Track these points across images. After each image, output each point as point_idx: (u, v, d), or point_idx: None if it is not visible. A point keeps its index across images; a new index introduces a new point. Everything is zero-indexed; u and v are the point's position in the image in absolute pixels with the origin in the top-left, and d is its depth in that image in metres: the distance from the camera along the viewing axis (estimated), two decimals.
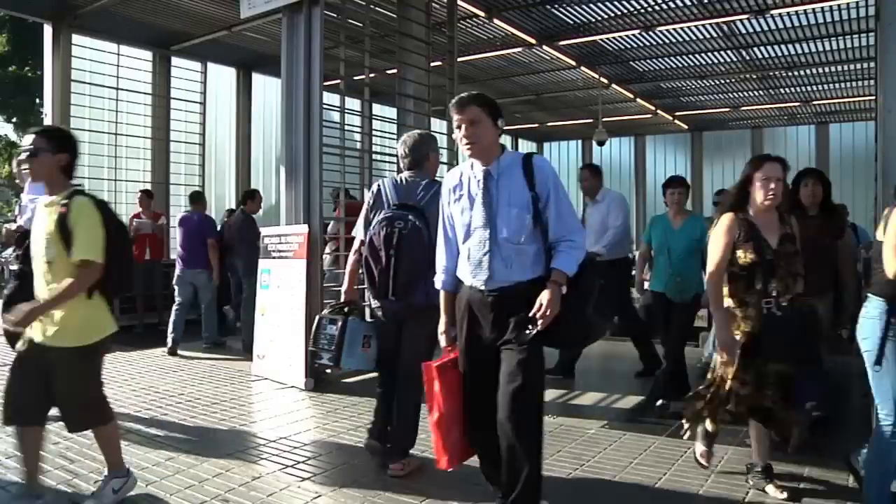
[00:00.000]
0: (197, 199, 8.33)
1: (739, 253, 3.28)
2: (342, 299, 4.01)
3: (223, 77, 11.52)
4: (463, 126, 2.83)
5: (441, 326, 3.13)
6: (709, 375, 3.50)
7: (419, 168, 3.85)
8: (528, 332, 2.71)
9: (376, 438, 3.86)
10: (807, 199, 4.51)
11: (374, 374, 4.05)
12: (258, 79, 11.87)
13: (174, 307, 7.71)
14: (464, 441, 3.06)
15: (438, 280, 3.11)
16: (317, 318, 3.95)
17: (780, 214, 3.39)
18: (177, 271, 7.92)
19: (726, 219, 3.36)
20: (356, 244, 3.89)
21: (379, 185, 3.86)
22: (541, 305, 2.68)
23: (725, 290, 3.36)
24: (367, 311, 4.06)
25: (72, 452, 4.07)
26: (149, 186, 10.08)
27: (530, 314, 2.70)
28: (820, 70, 11.16)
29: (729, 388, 3.31)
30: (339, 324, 3.74)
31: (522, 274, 2.79)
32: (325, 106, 6.23)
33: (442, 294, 3.12)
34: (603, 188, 6.44)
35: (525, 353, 2.76)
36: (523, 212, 2.79)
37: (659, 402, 5.15)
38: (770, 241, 3.29)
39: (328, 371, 6.16)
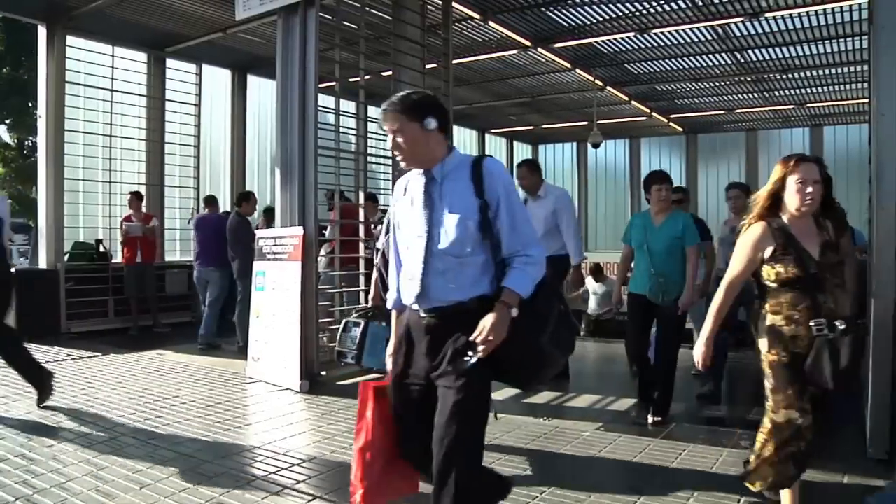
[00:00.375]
0: (212, 201, 8.89)
1: (779, 268, 2.87)
2: (369, 304, 4.33)
3: (218, 79, 11.50)
4: (390, 137, 2.49)
5: (389, 349, 2.79)
6: (762, 431, 2.97)
7: None
8: (466, 359, 2.34)
9: None
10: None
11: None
12: (253, 81, 11.85)
13: (202, 308, 8.31)
14: (386, 479, 2.70)
15: (389, 298, 2.78)
16: (343, 321, 4.20)
17: (815, 219, 3.01)
18: (195, 272, 8.34)
19: (758, 229, 2.96)
20: (379, 254, 4.11)
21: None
22: (482, 329, 2.30)
23: (768, 305, 2.95)
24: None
25: None
26: (143, 188, 10.08)
27: (471, 338, 2.33)
28: (814, 73, 11.20)
29: (793, 424, 2.82)
30: (361, 326, 3.99)
31: (464, 292, 2.39)
32: (320, 108, 6.23)
33: (392, 314, 2.79)
34: (545, 184, 6.11)
35: (463, 391, 2.35)
36: (466, 220, 2.38)
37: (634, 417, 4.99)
38: (811, 252, 2.89)
39: (323, 373, 6.17)
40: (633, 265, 5.20)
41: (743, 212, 5.87)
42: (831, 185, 4.23)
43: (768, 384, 2.91)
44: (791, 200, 2.95)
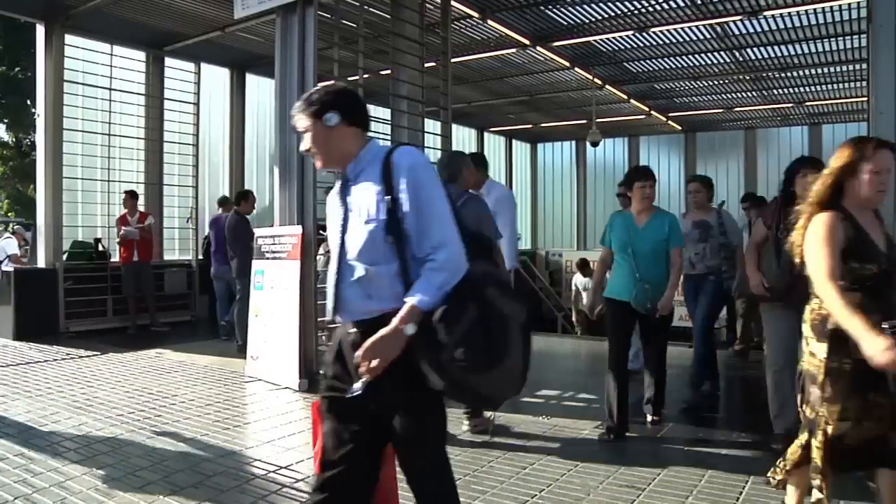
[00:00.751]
0: (225, 201, 9.21)
1: (854, 265, 2.56)
2: None
3: (217, 77, 11.50)
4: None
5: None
6: (802, 435, 2.78)
7: (454, 182, 4.47)
8: (352, 389, 2.08)
9: None
10: (803, 193, 4.06)
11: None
12: (252, 79, 11.85)
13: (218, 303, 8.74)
14: None
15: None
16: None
17: (874, 211, 2.73)
18: (212, 269, 8.68)
19: (827, 218, 2.60)
20: None
21: None
22: (361, 351, 2.05)
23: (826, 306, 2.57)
24: None
25: None
26: (142, 187, 10.08)
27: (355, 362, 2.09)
28: (813, 71, 11.20)
29: (849, 436, 2.57)
30: None
31: (384, 302, 2.11)
32: None
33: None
34: (488, 181, 5.71)
35: (402, 424, 2.13)
36: (372, 223, 2.13)
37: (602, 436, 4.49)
38: (879, 246, 2.63)
39: (322, 372, 6.16)
40: (611, 269, 4.78)
41: (704, 206, 5.68)
42: None
43: (821, 392, 2.60)
44: (862, 189, 2.63)
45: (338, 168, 2.29)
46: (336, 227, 2.25)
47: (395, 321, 2.02)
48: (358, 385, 2.07)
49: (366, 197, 2.17)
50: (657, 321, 4.49)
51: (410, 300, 2.03)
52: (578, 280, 11.46)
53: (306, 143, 2.24)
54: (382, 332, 2.03)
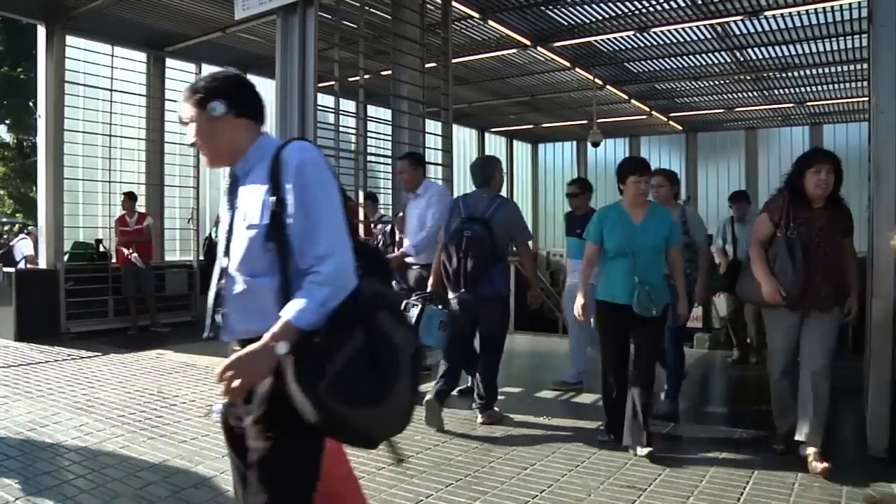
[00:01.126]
0: None
1: None
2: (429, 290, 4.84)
3: None
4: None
5: None
6: None
7: (487, 185, 4.81)
8: (209, 408, 1.84)
9: (436, 397, 4.66)
10: (816, 189, 3.77)
11: None
12: (252, 80, 11.73)
13: None
14: None
15: None
16: (403, 303, 4.49)
17: None
18: None
19: None
20: (439, 248, 4.80)
21: (457, 200, 4.96)
22: (220, 370, 1.80)
23: None
24: (453, 302, 4.72)
25: None
26: (143, 188, 10.09)
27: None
28: (814, 71, 11.18)
29: None
30: (419, 308, 4.41)
31: (268, 320, 1.80)
32: (319, 107, 6.22)
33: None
34: (426, 180, 5.65)
35: (258, 468, 1.87)
36: (254, 228, 1.87)
37: (601, 436, 4.40)
38: None
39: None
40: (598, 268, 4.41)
41: (669, 202, 5.13)
42: (841, 178, 3.85)
43: None
44: None
45: (226, 166, 2.04)
46: (223, 234, 1.98)
47: (265, 337, 1.75)
48: (217, 407, 1.84)
49: (251, 199, 1.90)
50: (655, 327, 4.18)
51: (286, 315, 1.76)
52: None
53: (190, 135, 1.97)
54: (249, 348, 1.78)
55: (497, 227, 4.57)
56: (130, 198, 9.29)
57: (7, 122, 20.28)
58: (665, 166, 7.40)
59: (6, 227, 19.31)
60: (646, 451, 3.99)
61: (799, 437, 3.84)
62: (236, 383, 1.76)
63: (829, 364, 3.81)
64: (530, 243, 5.24)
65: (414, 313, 4.38)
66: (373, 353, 1.76)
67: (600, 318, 4.31)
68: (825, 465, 3.66)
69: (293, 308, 1.76)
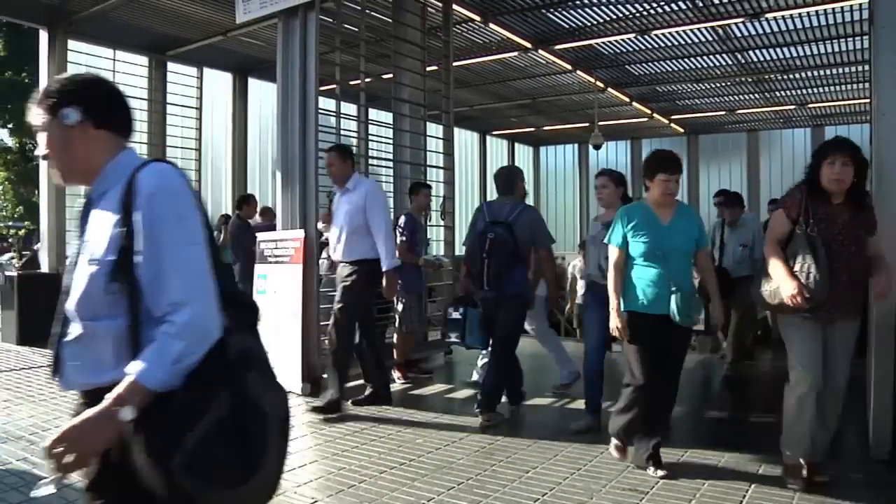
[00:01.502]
0: (266, 211, 9.28)
1: None
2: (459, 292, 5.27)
3: (219, 82, 11.51)
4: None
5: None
6: None
7: (511, 193, 5.06)
8: (40, 484, 1.45)
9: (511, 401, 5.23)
10: (829, 183, 3.42)
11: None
12: (254, 83, 11.86)
13: None
14: None
15: None
16: (445, 308, 5.03)
17: None
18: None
19: None
20: (466, 250, 5.07)
21: (481, 205, 5.19)
22: (55, 438, 1.46)
23: None
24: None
25: None
26: None
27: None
28: (815, 73, 11.19)
29: None
30: (462, 311, 4.95)
31: (101, 373, 1.54)
32: (320, 111, 6.23)
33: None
34: (355, 175, 5.41)
35: None
36: (95, 265, 1.56)
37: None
38: None
39: (325, 376, 6.17)
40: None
41: (615, 204, 4.75)
42: (865, 170, 3.55)
43: None
44: None
45: (82, 184, 1.71)
46: (70, 266, 1.66)
47: (106, 400, 1.44)
48: (45, 485, 1.44)
49: (99, 228, 1.59)
50: (686, 338, 3.90)
51: (132, 372, 1.45)
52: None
53: (41, 145, 1.69)
54: (87, 413, 1.46)
55: (519, 231, 4.78)
56: None
57: (10, 126, 20.31)
58: None
59: (12, 231, 19.30)
60: (661, 472, 3.75)
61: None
62: (69, 458, 1.44)
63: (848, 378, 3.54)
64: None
65: (456, 316, 4.93)
66: (239, 423, 1.49)
67: (628, 332, 3.78)
68: (825, 478, 3.57)
69: (141, 364, 1.46)
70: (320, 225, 6.10)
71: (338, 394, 5.17)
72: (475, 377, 6.08)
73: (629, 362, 3.82)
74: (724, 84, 12.26)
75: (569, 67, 11.04)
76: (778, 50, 9.95)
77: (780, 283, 3.38)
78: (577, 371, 5.79)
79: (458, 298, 5.08)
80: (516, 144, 18.71)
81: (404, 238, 6.28)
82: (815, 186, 3.46)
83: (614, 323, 3.81)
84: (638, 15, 8.64)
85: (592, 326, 4.80)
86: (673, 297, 3.64)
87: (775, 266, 3.45)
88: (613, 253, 3.89)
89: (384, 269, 5.15)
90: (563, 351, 6.13)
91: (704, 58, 10.59)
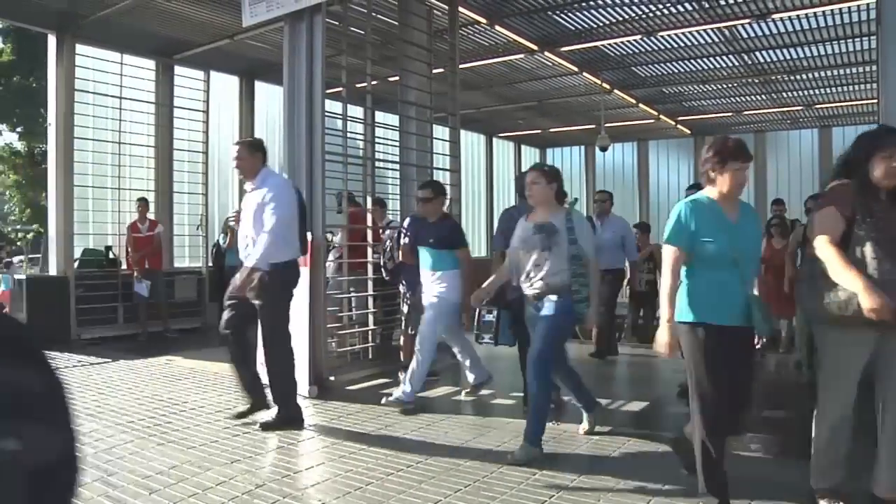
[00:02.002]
0: None
1: None
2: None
3: (226, 85, 11.56)
4: None
5: None
6: None
7: (525, 197, 4.83)
8: None
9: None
10: (886, 178, 3.07)
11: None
12: (261, 87, 11.89)
13: None
14: None
15: None
16: (477, 310, 5.09)
17: None
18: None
19: None
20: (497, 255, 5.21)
21: (509, 211, 5.60)
22: None
23: None
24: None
25: None
26: (152, 195, 10.13)
27: None
28: (822, 74, 11.14)
29: None
30: (495, 313, 5.02)
31: None
32: (327, 113, 6.25)
33: None
34: (265, 169, 4.91)
35: None
36: None
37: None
38: None
39: (332, 378, 6.19)
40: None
41: (543, 203, 4.39)
42: None
43: None
44: None
45: None
46: None
47: None
48: None
49: None
50: (753, 346, 3.38)
51: None
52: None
53: None
54: None
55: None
56: (144, 204, 9.36)
57: (19, 130, 20.45)
58: (674, 170, 7.27)
59: (20, 235, 19.40)
60: None
61: (878, 492, 3.05)
62: None
63: None
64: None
65: (489, 318, 5.05)
66: None
67: (697, 345, 3.18)
68: None
69: None
70: (232, 223, 5.98)
71: (270, 405, 4.91)
72: (470, 378, 5.97)
73: (698, 384, 3.18)
74: (730, 85, 12.23)
75: (575, 69, 11.03)
76: (785, 51, 9.92)
77: (861, 294, 2.86)
78: (486, 373, 5.87)
79: (490, 300, 5.08)
80: (523, 146, 18.69)
81: (406, 240, 6.25)
82: (866, 183, 3.09)
83: (665, 338, 3.20)
84: (644, 16, 8.63)
85: (530, 347, 4.36)
86: (753, 305, 3.21)
87: (845, 273, 2.93)
88: (671, 254, 3.25)
89: (248, 264, 4.67)
90: (467, 347, 5.94)
91: (711, 59, 10.56)
